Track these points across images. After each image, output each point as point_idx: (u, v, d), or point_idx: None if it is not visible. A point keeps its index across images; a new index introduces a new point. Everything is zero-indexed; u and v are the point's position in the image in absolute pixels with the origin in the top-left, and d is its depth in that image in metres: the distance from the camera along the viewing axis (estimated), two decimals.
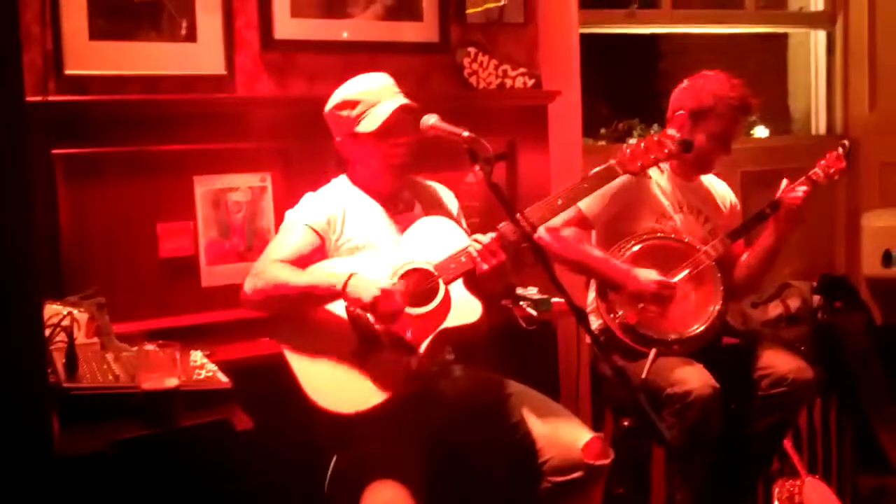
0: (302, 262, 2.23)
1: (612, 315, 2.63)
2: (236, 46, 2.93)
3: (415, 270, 2.20)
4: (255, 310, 2.25)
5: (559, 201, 2.26)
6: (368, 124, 2.27)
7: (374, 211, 2.36)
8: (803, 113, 4.49)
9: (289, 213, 2.36)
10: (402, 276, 2.19)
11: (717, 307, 2.64)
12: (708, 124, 2.69)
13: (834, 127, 4.37)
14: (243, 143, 2.89)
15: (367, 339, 2.15)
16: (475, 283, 2.21)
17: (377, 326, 2.15)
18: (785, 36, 4.57)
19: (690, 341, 2.61)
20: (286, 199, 2.80)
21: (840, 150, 2.74)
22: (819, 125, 4.43)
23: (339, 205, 2.34)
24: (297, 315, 2.19)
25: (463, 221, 2.46)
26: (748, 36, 4.48)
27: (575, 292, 2.38)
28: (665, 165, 2.68)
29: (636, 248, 2.67)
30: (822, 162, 2.73)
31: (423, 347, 2.13)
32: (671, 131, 2.36)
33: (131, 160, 2.73)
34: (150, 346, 1.90)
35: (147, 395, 1.79)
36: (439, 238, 2.26)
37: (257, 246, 2.88)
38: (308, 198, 2.39)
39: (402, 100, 2.29)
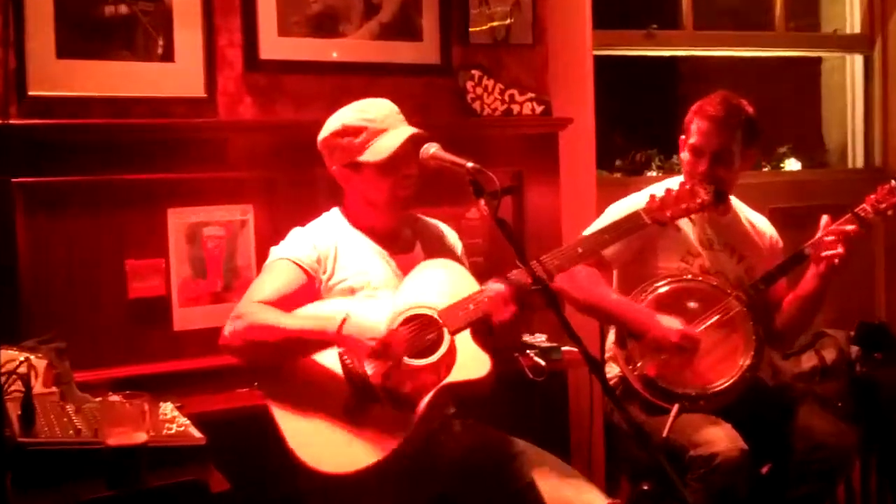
0: (287, 303, 2.21)
1: (630, 366, 2.61)
2: (218, 67, 2.95)
3: (417, 317, 2.19)
4: (235, 357, 2.23)
5: (579, 250, 2.28)
6: (374, 154, 2.27)
7: (369, 249, 2.35)
8: (838, 144, 4.53)
9: (273, 250, 2.36)
10: (403, 323, 2.18)
11: (748, 361, 2.60)
12: (688, 138, 2.74)
13: (872, 159, 4.40)
14: (223, 173, 2.90)
15: (361, 391, 2.14)
16: (483, 333, 2.20)
17: (373, 378, 2.14)
18: (818, 60, 4.63)
19: (717, 397, 2.59)
20: (270, 235, 2.80)
21: (893, 182, 2.72)
22: (856, 157, 4.46)
23: (330, 241, 2.33)
24: (283, 363, 2.18)
25: (466, 265, 2.46)
26: (778, 60, 4.53)
27: (588, 339, 2.37)
28: None
29: (660, 290, 2.66)
30: (872, 196, 2.69)
31: (423, 404, 2.11)
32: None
33: (98, 190, 2.73)
34: (115, 397, 1.88)
35: (112, 451, 1.77)
36: (445, 282, 2.25)
37: (237, 286, 2.88)
38: (295, 233, 2.38)
39: (410, 129, 2.30)
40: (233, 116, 2.98)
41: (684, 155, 2.77)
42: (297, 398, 2.15)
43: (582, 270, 2.63)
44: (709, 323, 2.64)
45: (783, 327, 2.77)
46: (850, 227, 2.61)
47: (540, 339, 3.01)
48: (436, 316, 2.19)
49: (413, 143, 2.28)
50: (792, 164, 4.49)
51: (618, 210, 2.70)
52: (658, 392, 2.58)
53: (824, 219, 2.67)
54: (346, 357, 2.15)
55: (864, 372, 3.51)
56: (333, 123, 2.37)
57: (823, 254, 2.61)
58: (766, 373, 3.16)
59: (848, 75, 4.49)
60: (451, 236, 2.53)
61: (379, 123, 2.31)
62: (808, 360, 3.48)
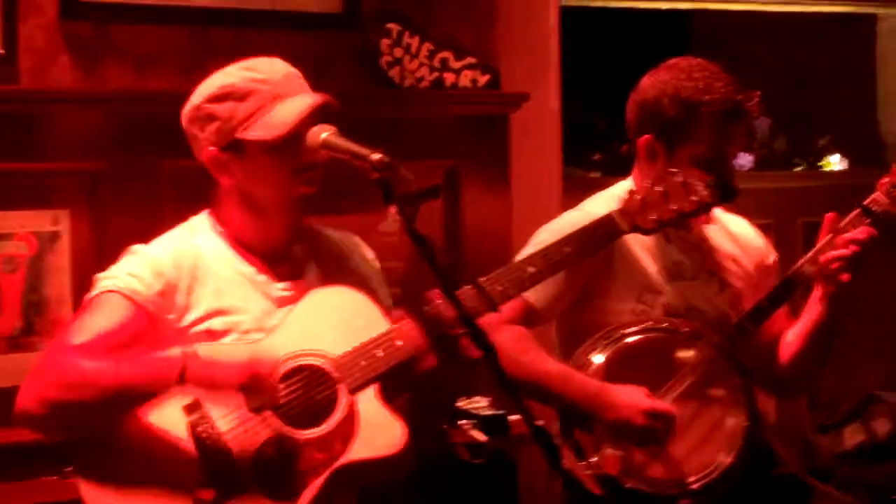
0: (114, 351, 2.20)
1: (582, 462, 2.63)
2: (20, 10, 2.92)
3: (302, 369, 2.18)
4: (37, 430, 2.18)
5: (530, 269, 2.26)
6: (265, 128, 2.24)
7: (242, 276, 2.33)
8: None
9: (99, 279, 2.33)
10: (282, 377, 2.17)
11: (744, 425, 2.64)
12: (688, 144, 2.74)
13: None
14: (25, 164, 2.87)
15: (220, 477, 2.11)
16: (397, 391, 2.19)
17: (238, 454, 2.11)
18: (872, 18, 4.71)
19: (704, 493, 2.64)
20: (93, 254, 2.77)
21: None
22: None
23: (184, 264, 2.28)
24: (106, 436, 2.14)
25: (386, 292, 2.45)
26: (818, 18, 4.62)
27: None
28: None
29: (612, 348, 2.69)
30: (886, 179, 2.73)
31: (310, 494, 2.11)
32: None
33: None
34: None
35: None
36: (344, 319, 2.24)
37: (41, 328, 2.86)
38: (133, 253, 2.36)
39: (316, 96, 2.30)
40: (42, 83, 2.95)
41: (677, 164, 2.77)
42: (129, 490, 2.12)
43: (504, 332, 2.62)
44: (682, 388, 2.67)
45: (784, 371, 2.81)
46: (858, 229, 2.66)
47: (480, 403, 3.00)
48: (328, 367, 2.18)
49: (320, 119, 2.28)
50: (835, 162, 4.58)
51: (550, 234, 2.71)
52: (624, 496, 2.61)
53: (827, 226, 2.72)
54: (199, 427, 2.14)
55: None
56: (209, 86, 2.34)
57: (825, 268, 2.65)
58: (792, 448, 3.20)
59: None
60: (362, 254, 2.52)
61: (274, 87, 2.29)
62: (853, 435, 3.53)
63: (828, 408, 3.69)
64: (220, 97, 2.31)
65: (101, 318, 2.23)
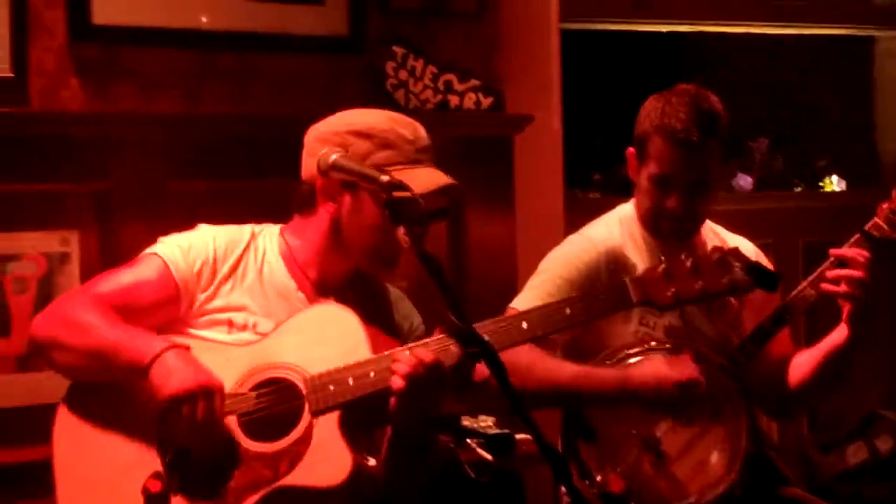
0: (129, 311, 2.22)
1: (586, 481, 2.62)
2: (30, 34, 2.94)
3: (276, 381, 2.20)
4: (40, 352, 2.25)
5: (524, 324, 2.24)
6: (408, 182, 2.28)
7: (284, 286, 2.36)
8: None
9: (158, 241, 2.36)
10: (255, 386, 2.20)
11: (746, 444, 2.64)
12: (645, 161, 2.75)
13: None
14: (35, 185, 2.88)
15: (174, 468, 2.13)
16: (359, 425, 2.20)
17: (193, 455, 2.13)
18: (870, 41, 4.72)
19: None
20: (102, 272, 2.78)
21: None
22: None
23: (234, 253, 2.33)
24: (92, 382, 2.20)
25: (401, 340, 2.38)
26: (814, 40, 4.62)
27: (551, 422, 2.36)
28: (637, 231, 2.77)
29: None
30: (885, 205, 2.74)
31: None
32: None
33: None
34: None
35: None
36: (332, 339, 2.25)
37: None
38: (197, 228, 2.38)
39: (445, 176, 2.31)
40: (52, 105, 2.96)
41: (642, 180, 2.77)
42: (97, 444, 2.18)
43: (520, 349, 2.62)
44: (684, 411, 2.67)
45: (792, 395, 2.79)
46: (859, 253, 2.65)
47: (486, 423, 3.00)
48: (300, 385, 2.19)
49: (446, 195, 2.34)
50: (834, 183, 4.58)
51: (555, 264, 2.72)
52: None
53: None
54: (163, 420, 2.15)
55: None
56: (356, 118, 2.37)
57: (830, 287, 2.64)
58: (796, 467, 3.19)
59: None
60: (409, 314, 2.53)
61: (412, 150, 2.33)
62: (855, 453, 3.52)
63: (829, 427, 3.69)
64: (362, 134, 2.33)
65: (131, 275, 2.30)
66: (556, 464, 2.01)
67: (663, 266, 2.24)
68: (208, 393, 2.11)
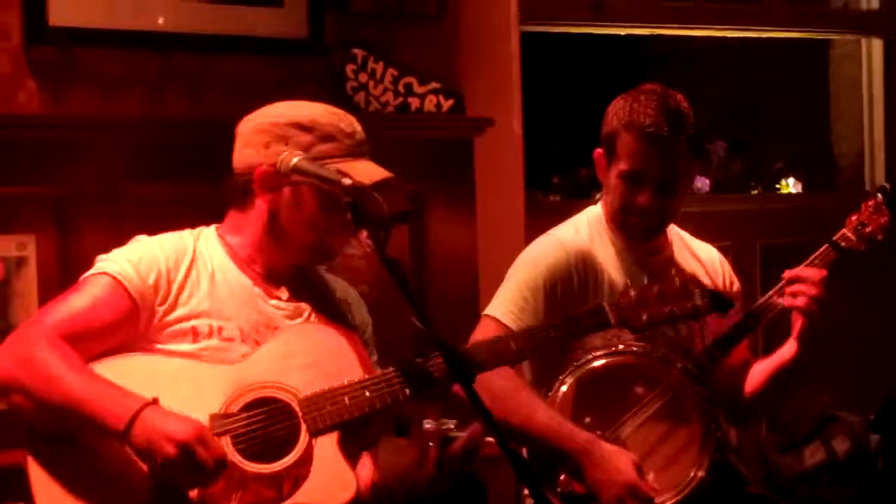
0: (88, 337, 2.18)
1: (551, 483, 2.63)
2: None
3: (267, 401, 2.18)
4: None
5: (512, 345, 2.32)
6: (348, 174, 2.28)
7: (240, 285, 2.34)
8: (853, 158, 4.66)
9: (99, 259, 2.33)
10: (245, 407, 2.17)
11: (711, 444, 2.65)
12: (615, 159, 2.77)
13: None
14: None
15: (166, 494, 2.09)
16: (358, 443, 2.21)
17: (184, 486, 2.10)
18: (826, 45, 4.76)
19: None
20: (60, 277, 2.76)
21: (879, 196, 2.79)
22: (875, 174, 4.58)
23: (184, 260, 2.29)
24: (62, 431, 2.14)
25: (373, 348, 2.46)
26: (772, 44, 4.64)
27: None
28: (605, 232, 2.76)
29: (578, 373, 2.70)
30: (854, 217, 2.77)
31: None
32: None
33: None
34: None
35: None
36: (319, 360, 2.25)
37: None
38: (138, 240, 2.36)
39: (382, 170, 2.31)
40: (8, 108, 2.96)
41: (611, 179, 2.80)
42: (78, 489, 2.12)
43: (494, 374, 2.62)
44: (650, 412, 2.68)
45: (748, 403, 2.83)
46: (822, 262, 2.68)
47: (447, 425, 3.00)
48: (294, 405, 2.18)
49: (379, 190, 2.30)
50: (791, 185, 4.62)
51: (525, 266, 2.73)
52: None
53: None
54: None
55: (887, 468, 3.59)
56: (295, 110, 2.35)
57: (788, 301, 2.66)
58: (756, 469, 3.21)
59: (864, 65, 4.62)
60: (354, 302, 2.53)
61: (351, 144, 2.33)
62: (813, 454, 3.54)
63: (787, 428, 3.72)
64: (305, 127, 2.31)
65: (82, 299, 2.24)
66: (519, 465, 2.02)
67: (636, 293, 2.45)
68: (202, 439, 2.08)
